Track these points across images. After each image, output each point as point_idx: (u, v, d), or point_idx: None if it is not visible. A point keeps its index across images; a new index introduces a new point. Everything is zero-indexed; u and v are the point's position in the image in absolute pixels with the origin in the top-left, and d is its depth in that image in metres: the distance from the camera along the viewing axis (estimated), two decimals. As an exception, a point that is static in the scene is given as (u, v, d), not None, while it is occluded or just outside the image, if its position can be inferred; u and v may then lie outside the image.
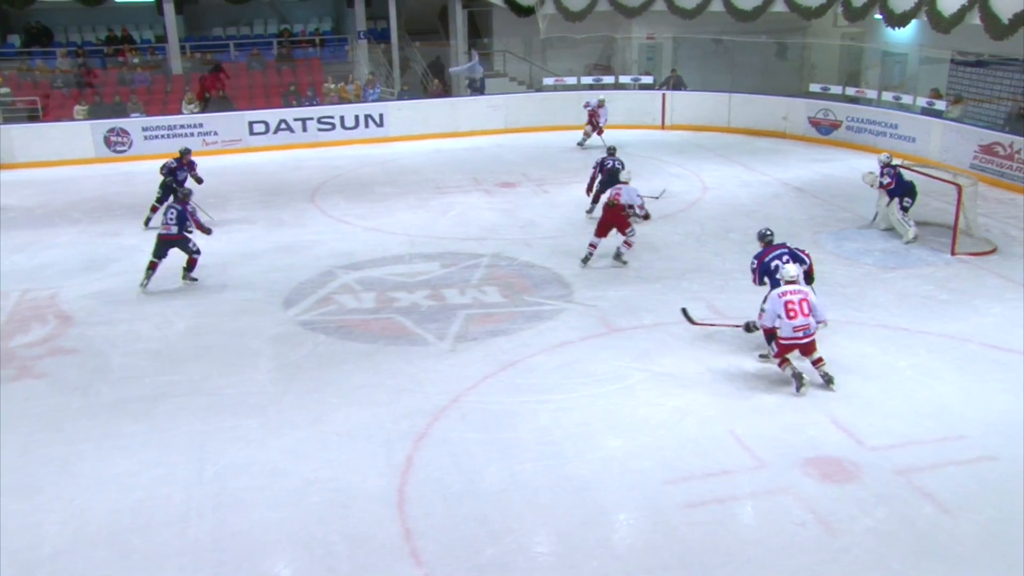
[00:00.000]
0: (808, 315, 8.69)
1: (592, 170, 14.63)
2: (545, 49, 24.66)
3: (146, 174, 18.23)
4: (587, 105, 19.88)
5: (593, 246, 12.45)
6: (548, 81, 22.93)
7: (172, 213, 11.85)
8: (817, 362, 8.91)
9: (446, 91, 23.66)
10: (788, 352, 8.88)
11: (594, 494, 7.29)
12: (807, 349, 8.86)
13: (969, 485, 7.30)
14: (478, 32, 26.19)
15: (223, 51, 24.48)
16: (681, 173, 17.56)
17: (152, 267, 11.90)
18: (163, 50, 23.56)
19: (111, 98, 21.19)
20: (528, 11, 23.50)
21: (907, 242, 12.97)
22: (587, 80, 22.84)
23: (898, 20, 19.39)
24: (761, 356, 9.46)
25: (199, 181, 14.54)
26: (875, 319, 10.58)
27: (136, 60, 23.41)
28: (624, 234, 12.34)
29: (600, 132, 19.66)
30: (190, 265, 12.06)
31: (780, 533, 6.78)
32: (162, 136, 19.99)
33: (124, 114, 20.57)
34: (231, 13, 24.87)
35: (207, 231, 12.37)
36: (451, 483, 7.46)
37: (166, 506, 7.22)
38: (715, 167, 18.01)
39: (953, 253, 12.60)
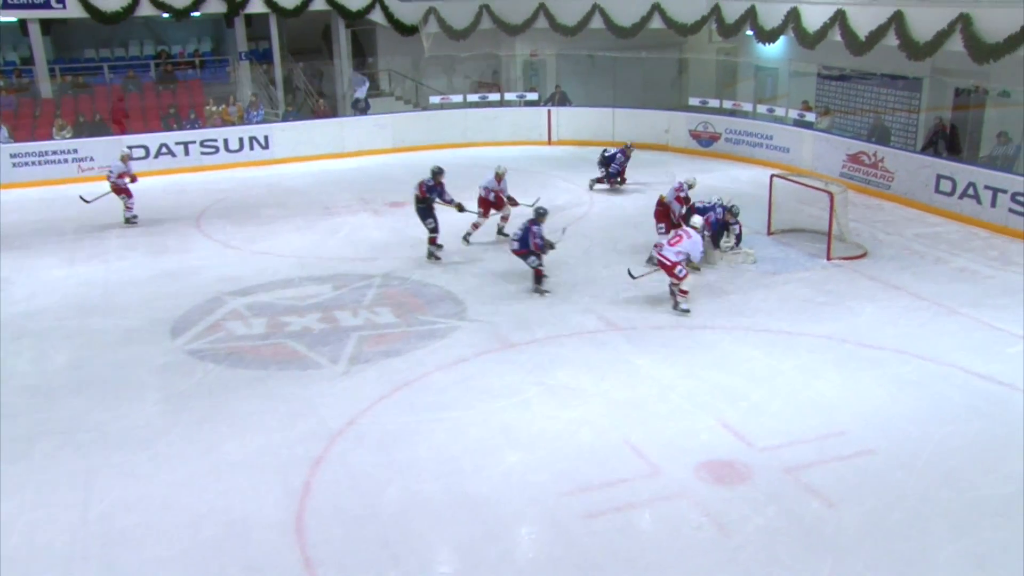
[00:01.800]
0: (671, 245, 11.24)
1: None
2: (430, 67, 24.71)
3: (16, 203, 17.43)
4: (487, 192, 14.27)
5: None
6: (434, 99, 22.96)
7: (518, 232, 12.02)
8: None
9: (332, 111, 23.42)
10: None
11: (494, 509, 7.30)
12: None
13: (850, 479, 7.64)
14: (362, 51, 26.03)
15: (96, 74, 23.56)
16: (568, 187, 17.82)
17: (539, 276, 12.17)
18: (30, 72, 22.50)
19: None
20: (412, 30, 23.51)
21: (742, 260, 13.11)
22: (473, 98, 22.98)
23: (768, 36, 20.25)
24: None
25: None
26: (759, 323, 10.97)
27: (0, 83, 22.30)
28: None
29: (510, 203, 14.43)
30: (537, 277, 12.10)
31: (678, 537, 6.94)
32: (33, 163, 19.08)
33: (-11, 140, 19.55)
34: (103, 34, 23.97)
35: (550, 245, 12.10)
36: (350, 507, 7.35)
37: (47, 551, 6.86)
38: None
39: (828, 258, 13.19)
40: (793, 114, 19.38)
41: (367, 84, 23.44)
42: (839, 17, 18.24)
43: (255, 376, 9.77)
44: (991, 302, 11.47)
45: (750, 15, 20.71)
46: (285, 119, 22.17)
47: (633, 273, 11.83)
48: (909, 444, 8.16)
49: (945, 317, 11.09)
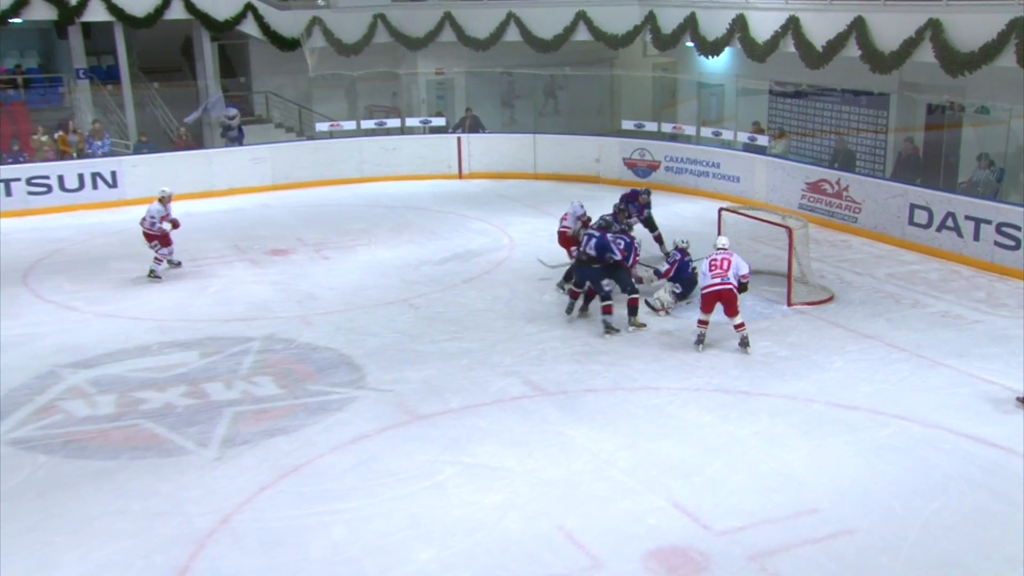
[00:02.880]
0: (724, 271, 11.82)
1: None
2: (316, 89, 24.74)
3: None
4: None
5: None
6: (322, 127, 22.97)
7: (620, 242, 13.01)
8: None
9: (196, 141, 23.21)
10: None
11: (404, 620, 7.19)
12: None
13: (826, 566, 7.72)
14: (232, 70, 25.98)
15: None
16: (485, 228, 17.96)
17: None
18: None
19: None
20: (293, 44, 23.56)
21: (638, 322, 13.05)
22: (368, 124, 23.08)
23: (711, 48, 20.92)
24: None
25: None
26: (712, 383, 11.14)
27: None
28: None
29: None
30: (632, 309, 12.82)
31: (625, 643, 6.92)
32: None
33: None
34: None
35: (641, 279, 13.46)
36: (224, 626, 7.16)
37: None
38: (523, 219, 18.53)
39: (789, 304, 13.52)
40: (743, 137, 19.89)
41: (228, 107, 23.25)
42: (792, 25, 18.94)
43: (101, 468, 9.49)
44: (979, 351, 11.85)
45: (690, 24, 21.39)
46: (137, 151, 21.90)
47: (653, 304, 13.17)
48: (893, 523, 8.30)
49: (927, 370, 11.41)
